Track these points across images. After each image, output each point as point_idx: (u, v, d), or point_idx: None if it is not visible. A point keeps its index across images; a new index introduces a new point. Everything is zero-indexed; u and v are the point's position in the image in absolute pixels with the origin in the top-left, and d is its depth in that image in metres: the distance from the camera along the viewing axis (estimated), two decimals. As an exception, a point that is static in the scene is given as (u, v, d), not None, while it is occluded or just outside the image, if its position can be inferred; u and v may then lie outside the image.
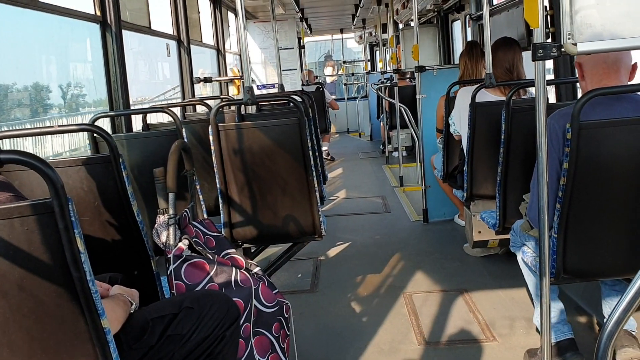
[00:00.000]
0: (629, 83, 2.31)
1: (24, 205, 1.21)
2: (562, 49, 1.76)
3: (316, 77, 11.46)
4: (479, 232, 3.74)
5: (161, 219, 1.99)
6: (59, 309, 1.30)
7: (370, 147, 10.93)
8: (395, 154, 8.09)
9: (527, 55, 3.05)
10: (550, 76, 3.82)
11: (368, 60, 15.47)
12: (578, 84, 2.60)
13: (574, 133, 2.08)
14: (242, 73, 6.73)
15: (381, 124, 9.62)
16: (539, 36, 1.89)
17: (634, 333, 2.52)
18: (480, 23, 6.05)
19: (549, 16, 3.48)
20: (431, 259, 4.17)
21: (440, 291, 3.57)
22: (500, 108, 3.08)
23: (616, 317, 1.32)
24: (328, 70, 16.56)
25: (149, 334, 1.64)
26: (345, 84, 13.92)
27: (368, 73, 13.01)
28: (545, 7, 3.05)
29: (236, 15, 2.82)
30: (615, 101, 2.25)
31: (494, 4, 5.27)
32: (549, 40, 1.95)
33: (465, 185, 3.65)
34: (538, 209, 2.04)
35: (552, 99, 4.12)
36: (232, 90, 7.26)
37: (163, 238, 2.00)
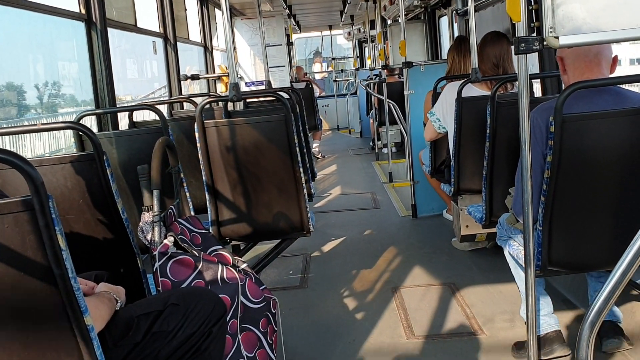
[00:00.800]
0: (610, 76, 2.33)
1: (3, 203, 1.21)
2: (544, 43, 1.77)
3: (306, 74, 11.44)
4: (467, 226, 3.75)
5: (146, 216, 1.99)
6: (41, 307, 1.29)
7: (360, 143, 10.94)
8: (385, 150, 8.11)
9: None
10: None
11: (357, 57, 15.45)
12: (562, 78, 2.62)
13: (557, 126, 2.09)
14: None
15: (370, 120, 9.62)
16: (521, 30, 1.90)
17: (620, 325, 2.55)
18: (466, 18, 6.06)
19: (533, 10, 3.49)
20: (420, 254, 4.18)
21: (429, 285, 3.58)
22: (486, 103, 3.10)
23: (597, 308, 1.33)
24: (316, 67, 16.55)
25: (134, 331, 1.63)
26: (335, 81, 13.90)
27: (357, 69, 13.00)
28: (530, 1, 3.06)
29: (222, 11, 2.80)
30: (596, 94, 2.27)
31: (480, -2, 5.29)
32: (534, 34, 1.97)
33: (453, 179, 3.66)
34: (522, 202, 2.06)
35: (540, 93, 4.14)
36: (221, 88, 7.24)
37: (148, 235, 1.99)
